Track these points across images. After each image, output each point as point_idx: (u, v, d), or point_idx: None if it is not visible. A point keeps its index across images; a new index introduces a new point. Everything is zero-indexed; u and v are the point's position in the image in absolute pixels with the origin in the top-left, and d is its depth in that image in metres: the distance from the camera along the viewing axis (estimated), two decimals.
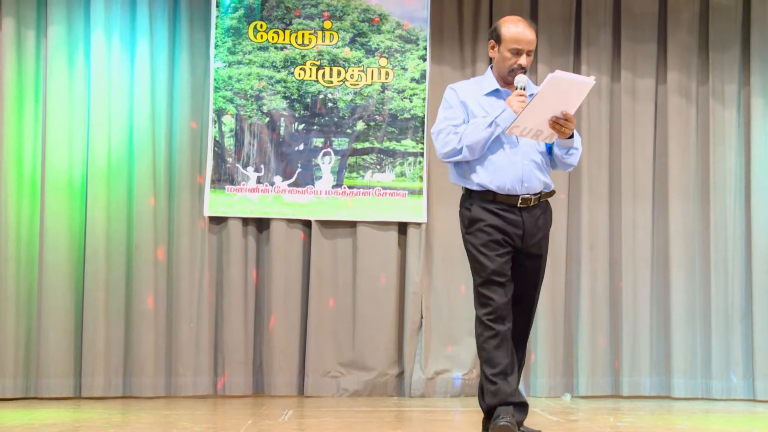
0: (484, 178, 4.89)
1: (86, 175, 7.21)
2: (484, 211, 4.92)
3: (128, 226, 7.26)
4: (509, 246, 4.92)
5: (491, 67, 5.03)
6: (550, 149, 5.00)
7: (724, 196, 7.59)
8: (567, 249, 7.57)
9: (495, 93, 4.97)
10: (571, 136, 4.88)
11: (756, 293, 7.46)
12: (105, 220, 7.18)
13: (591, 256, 7.55)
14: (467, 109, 4.95)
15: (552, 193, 5.03)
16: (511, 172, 4.92)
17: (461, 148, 4.94)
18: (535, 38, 4.99)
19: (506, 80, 4.97)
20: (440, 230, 7.53)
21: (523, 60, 4.95)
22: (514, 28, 4.94)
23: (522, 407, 4.91)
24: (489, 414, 4.87)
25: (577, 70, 7.64)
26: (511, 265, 4.94)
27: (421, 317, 7.45)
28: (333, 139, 7.48)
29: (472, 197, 4.94)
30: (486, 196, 4.89)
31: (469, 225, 4.93)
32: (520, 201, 4.90)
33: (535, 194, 4.93)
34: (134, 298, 7.24)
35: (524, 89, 4.90)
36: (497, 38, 4.92)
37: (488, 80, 5.01)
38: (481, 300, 4.89)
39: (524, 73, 4.95)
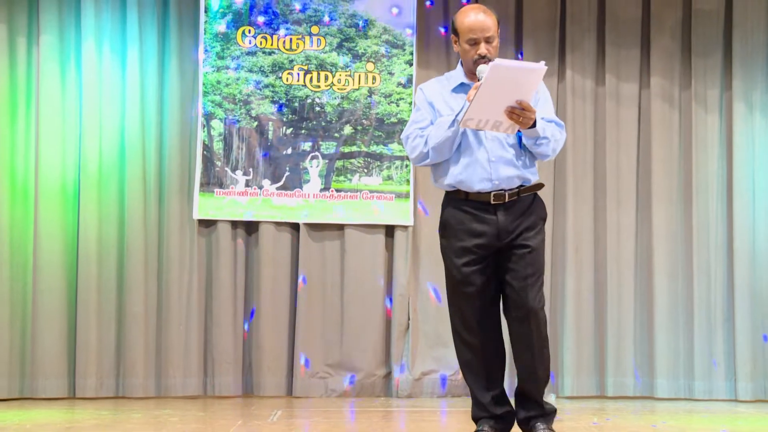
0: (453, 178, 4.78)
1: (78, 179, 7.28)
2: (458, 212, 4.82)
3: (120, 230, 7.31)
4: (483, 251, 4.78)
5: (460, 62, 4.88)
6: (520, 140, 4.80)
7: (706, 199, 7.64)
8: (552, 251, 7.55)
9: (461, 87, 4.85)
10: (534, 126, 4.61)
11: (738, 296, 7.50)
12: (97, 223, 7.24)
13: (576, 258, 7.58)
14: (434, 108, 4.81)
15: (535, 186, 4.82)
16: (479, 170, 4.77)
17: (427, 152, 4.82)
18: (492, 23, 4.75)
19: (474, 73, 4.76)
20: (426, 233, 7.54)
21: (482, 49, 4.74)
22: (468, 18, 4.77)
23: (504, 417, 4.84)
24: (476, 423, 4.87)
25: (562, 74, 7.71)
26: (487, 274, 4.80)
27: (408, 319, 7.51)
28: (321, 143, 7.53)
29: (447, 199, 4.88)
30: (458, 196, 4.80)
31: (441, 229, 4.90)
32: (492, 199, 4.74)
33: (509, 190, 4.76)
34: (126, 301, 7.29)
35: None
36: (455, 31, 4.80)
37: (456, 75, 4.88)
38: (451, 308, 4.90)
39: (486, 62, 4.64)
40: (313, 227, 7.52)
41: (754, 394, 7.46)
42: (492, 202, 4.73)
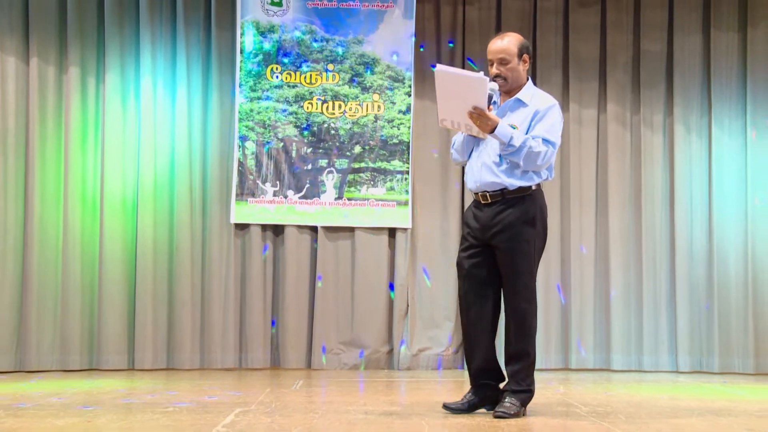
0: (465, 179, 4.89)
1: (137, 192, 7.33)
2: (468, 209, 4.89)
3: (170, 232, 7.37)
4: (473, 240, 4.76)
5: None
6: None
7: (653, 205, 7.63)
8: None
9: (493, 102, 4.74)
10: (494, 130, 4.50)
11: (678, 284, 7.54)
12: (152, 227, 7.31)
13: (545, 255, 6.97)
14: None
15: (519, 189, 4.64)
16: (472, 173, 4.76)
17: (452, 152, 4.94)
18: (503, 46, 4.66)
19: None
20: (422, 234, 7.59)
21: (494, 69, 4.70)
22: (489, 44, 4.75)
23: (482, 388, 4.79)
24: None
25: None
26: (478, 259, 4.73)
27: (407, 305, 7.53)
28: (335, 160, 7.52)
29: None
30: (472, 195, 4.84)
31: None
32: (480, 198, 4.74)
33: (492, 192, 4.69)
34: (175, 290, 7.35)
35: (490, 97, 4.61)
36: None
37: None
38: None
39: (502, 80, 4.67)
40: (329, 230, 7.54)
41: (692, 366, 7.48)
42: (482, 202, 4.73)
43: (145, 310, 7.29)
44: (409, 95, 7.62)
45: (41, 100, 7.27)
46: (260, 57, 7.56)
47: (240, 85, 7.52)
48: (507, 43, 4.70)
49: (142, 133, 7.39)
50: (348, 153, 7.59)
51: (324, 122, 7.57)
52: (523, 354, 4.75)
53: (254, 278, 7.48)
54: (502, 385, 4.82)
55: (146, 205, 7.35)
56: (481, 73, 4.51)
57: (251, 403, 5.22)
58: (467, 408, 4.79)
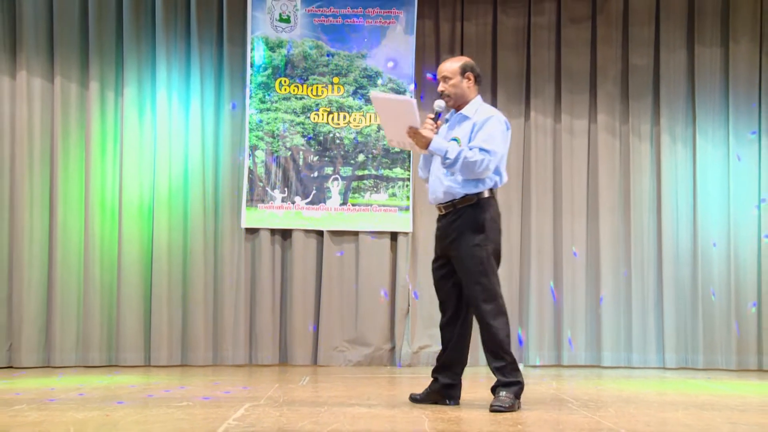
0: None
1: (153, 198, 7.35)
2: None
3: (184, 237, 7.38)
4: (438, 251, 4.92)
5: None
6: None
7: (641, 210, 7.63)
8: (520, 252, 7.59)
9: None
10: (429, 146, 4.63)
11: (665, 286, 7.53)
12: (167, 231, 7.32)
13: (539, 258, 7.58)
14: None
15: (464, 199, 4.73)
16: (430, 187, 4.90)
17: (419, 170, 5.07)
18: (447, 66, 4.83)
19: None
20: (422, 238, 7.57)
21: (439, 86, 4.86)
22: None
23: (436, 381, 4.94)
24: None
25: (527, 114, 7.69)
26: (444, 270, 4.88)
27: (408, 305, 7.52)
28: (340, 168, 7.52)
29: None
30: None
31: None
32: (437, 211, 4.88)
33: (443, 203, 4.79)
34: (189, 291, 7.36)
35: (437, 113, 4.77)
36: None
37: None
38: None
39: (447, 96, 4.80)
40: (334, 234, 7.53)
41: (677, 363, 7.49)
42: (439, 214, 4.88)
43: (161, 310, 7.30)
44: None
45: (64, 116, 7.32)
46: (269, 71, 7.57)
47: (250, 97, 7.53)
48: (450, 63, 4.87)
49: (157, 143, 7.42)
50: (352, 161, 7.59)
51: (329, 132, 7.57)
52: (498, 350, 4.76)
53: (264, 279, 7.48)
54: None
55: (162, 211, 7.37)
56: (409, 95, 4.60)
57: (261, 397, 5.24)
58: (424, 398, 4.98)
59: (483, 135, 4.72)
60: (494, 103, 7.70)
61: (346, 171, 7.56)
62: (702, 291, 7.57)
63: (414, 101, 4.65)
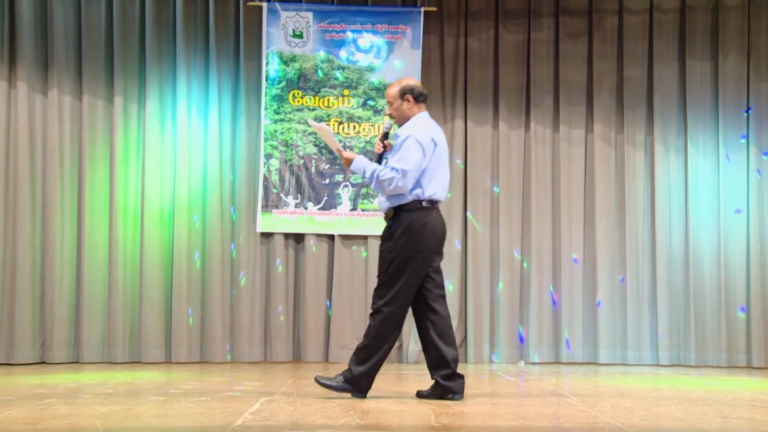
0: None
1: (173, 204, 7.39)
2: None
3: (203, 240, 7.39)
4: None
5: None
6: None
7: (635, 215, 7.62)
8: (521, 255, 7.57)
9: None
10: (350, 166, 4.97)
11: (659, 287, 7.52)
12: (186, 236, 7.35)
13: (538, 260, 7.56)
14: None
15: (392, 210, 4.90)
16: None
17: None
18: (388, 92, 5.02)
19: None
20: None
21: (386, 109, 5.13)
22: None
23: (434, 382, 4.99)
24: None
25: (528, 125, 7.68)
26: None
27: None
28: (350, 175, 7.49)
29: None
30: None
31: None
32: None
33: (384, 211, 4.99)
34: (207, 291, 7.37)
35: (385, 133, 5.08)
36: None
37: None
38: None
39: (393, 118, 5.02)
40: (345, 238, 7.54)
41: (671, 360, 7.48)
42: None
43: (181, 309, 7.33)
44: None
45: (91, 130, 7.40)
46: (283, 83, 7.58)
47: (265, 109, 7.54)
48: (391, 88, 5.05)
49: (178, 152, 7.45)
50: None
51: (340, 141, 7.51)
52: (365, 336, 4.93)
53: (278, 281, 7.49)
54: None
55: (181, 217, 7.40)
56: (323, 123, 4.98)
57: (275, 393, 5.25)
58: (430, 394, 5.02)
59: (397, 155, 4.89)
60: (496, 115, 7.74)
61: (356, 178, 7.52)
62: (694, 291, 7.55)
63: (327, 128, 5.09)
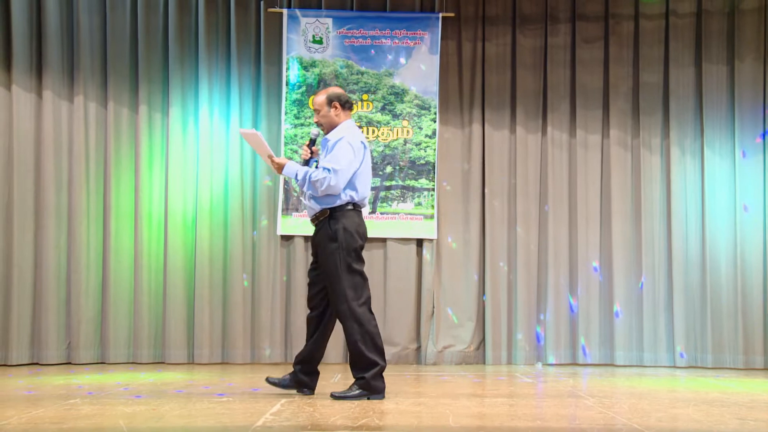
0: None
1: (196, 208, 7.42)
2: None
3: (224, 244, 7.41)
4: (313, 258, 5.23)
5: None
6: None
7: (652, 218, 7.59)
8: (538, 257, 7.57)
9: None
10: (282, 171, 5.06)
11: (675, 290, 7.48)
12: (208, 239, 7.37)
13: (555, 262, 7.56)
14: None
15: (323, 212, 5.02)
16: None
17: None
18: (315, 99, 5.14)
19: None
20: (447, 244, 7.58)
21: (314, 117, 5.22)
22: None
23: (294, 373, 5.20)
24: None
25: (544, 130, 7.67)
26: (316, 273, 5.16)
27: (433, 307, 7.50)
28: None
29: None
30: None
31: None
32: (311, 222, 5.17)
33: (312, 217, 5.12)
34: (229, 294, 7.38)
35: (312, 140, 5.19)
36: None
37: None
38: None
39: (321, 125, 5.15)
40: None
41: (687, 362, 7.44)
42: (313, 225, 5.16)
43: (203, 311, 7.35)
44: (435, 121, 7.61)
45: (116, 136, 7.45)
46: (303, 88, 7.59)
47: (286, 113, 7.55)
48: (318, 96, 5.16)
49: (200, 158, 7.48)
50: (380, 172, 7.58)
51: None
52: (351, 348, 5.00)
53: (298, 283, 7.47)
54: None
55: (204, 221, 7.43)
56: (253, 129, 5.11)
57: (295, 393, 5.25)
58: (286, 384, 5.20)
59: (329, 156, 5.01)
60: (513, 119, 7.75)
61: (375, 182, 7.49)
62: (710, 294, 7.51)
63: (258, 133, 5.11)
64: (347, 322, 4.97)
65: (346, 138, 5.02)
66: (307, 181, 5.00)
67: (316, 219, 5.08)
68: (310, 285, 5.24)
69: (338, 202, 5.02)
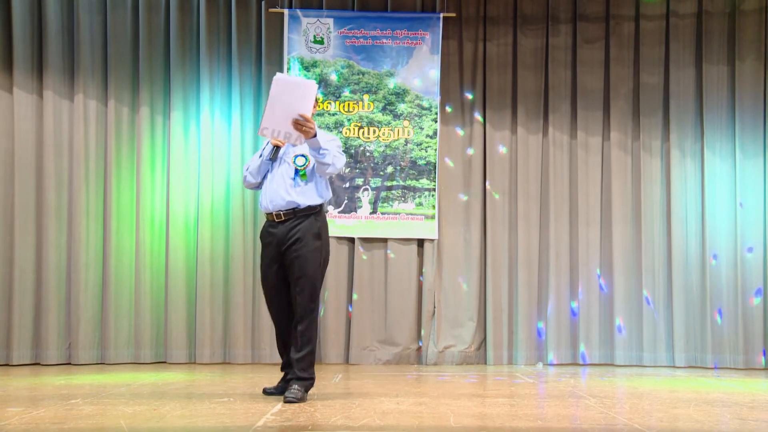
0: (259, 200, 5.04)
1: (197, 210, 7.42)
2: (263, 228, 5.05)
3: (225, 244, 7.40)
4: (271, 253, 4.91)
5: None
6: (297, 173, 4.89)
7: (652, 220, 7.58)
8: (539, 258, 7.56)
9: None
10: (315, 136, 4.66)
11: (675, 291, 7.48)
12: (209, 241, 7.36)
13: (556, 263, 7.55)
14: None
15: (308, 208, 4.87)
16: (267, 195, 4.93)
17: (246, 176, 5.07)
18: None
19: None
20: (447, 244, 7.58)
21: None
22: None
23: (284, 378, 5.06)
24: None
25: (545, 131, 7.65)
26: (275, 266, 4.91)
27: (434, 307, 7.49)
28: (370, 179, 7.52)
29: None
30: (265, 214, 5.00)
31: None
32: (275, 217, 4.90)
33: (285, 211, 4.87)
34: (230, 294, 7.37)
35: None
36: None
37: None
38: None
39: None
40: (365, 240, 7.53)
41: (687, 362, 7.44)
42: (275, 220, 4.91)
43: (204, 312, 7.35)
44: (435, 122, 7.60)
45: (117, 136, 7.41)
46: None
47: None
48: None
49: (201, 160, 7.47)
50: (381, 173, 7.58)
51: (360, 146, 7.57)
52: (305, 343, 4.85)
53: None
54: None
55: (205, 222, 7.42)
56: (313, 81, 4.61)
57: None
58: (282, 391, 4.99)
59: (333, 145, 4.86)
60: (514, 120, 7.74)
61: (376, 182, 7.54)
62: (710, 294, 7.51)
63: (316, 85, 4.64)
64: (312, 323, 4.85)
65: (335, 138, 5.06)
66: (330, 152, 4.75)
67: (292, 214, 4.85)
68: (270, 286, 5.01)
69: (320, 201, 4.94)
